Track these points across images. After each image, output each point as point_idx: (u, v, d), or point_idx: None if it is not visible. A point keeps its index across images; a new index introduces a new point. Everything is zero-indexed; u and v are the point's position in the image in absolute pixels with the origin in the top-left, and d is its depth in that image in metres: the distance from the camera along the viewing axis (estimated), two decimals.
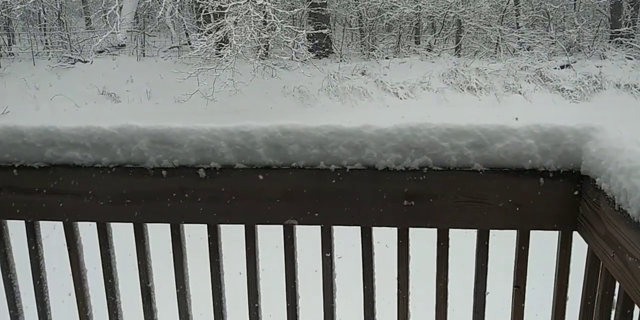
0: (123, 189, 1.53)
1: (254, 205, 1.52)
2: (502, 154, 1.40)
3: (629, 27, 17.88)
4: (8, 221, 1.66)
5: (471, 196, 1.43)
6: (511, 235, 1.51)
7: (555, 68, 15.97)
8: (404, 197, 1.45)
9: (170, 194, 1.52)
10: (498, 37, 17.58)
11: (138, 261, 1.65)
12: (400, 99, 14.61)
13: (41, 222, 1.64)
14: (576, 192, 1.39)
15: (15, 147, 1.52)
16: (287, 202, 1.50)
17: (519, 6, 18.55)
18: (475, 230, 1.50)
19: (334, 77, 14.87)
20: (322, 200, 1.49)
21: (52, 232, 2.05)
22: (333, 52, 17.70)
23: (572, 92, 15.03)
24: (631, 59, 16.56)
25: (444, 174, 1.43)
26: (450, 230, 1.51)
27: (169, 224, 1.61)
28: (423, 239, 1.93)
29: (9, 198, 1.56)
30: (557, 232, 1.47)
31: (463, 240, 1.92)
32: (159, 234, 1.83)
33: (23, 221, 1.63)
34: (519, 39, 17.76)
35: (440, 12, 17.90)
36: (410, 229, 1.53)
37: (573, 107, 14.40)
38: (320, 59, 16.50)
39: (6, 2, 14.51)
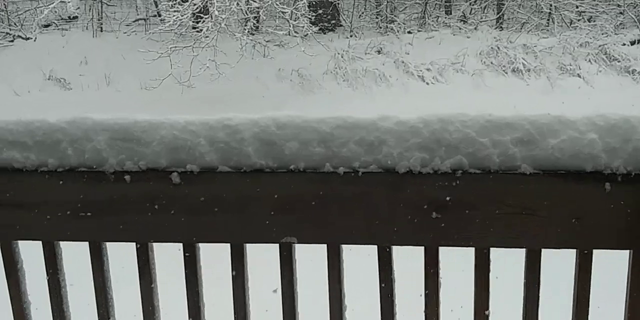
0: (76, 199, 1.53)
1: (242, 219, 1.52)
2: (556, 153, 1.40)
3: None
4: None
5: (518, 206, 1.43)
6: (569, 255, 1.51)
7: (624, 44, 15.94)
8: (432, 207, 1.45)
9: (135, 205, 1.53)
10: (551, 5, 17.55)
11: (95, 290, 1.65)
12: (427, 84, 14.61)
13: None
14: None
15: None
16: (283, 215, 1.51)
17: None
18: (523, 249, 1.50)
19: (342, 57, 14.87)
20: (328, 213, 1.49)
21: None
22: (341, 25, 17.71)
23: None
24: None
25: (483, 178, 1.43)
26: (492, 249, 1.51)
27: (134, 243, 1.61)
28: (455, 258, 1.92)
29: None
30: (628, 251, 1.47)
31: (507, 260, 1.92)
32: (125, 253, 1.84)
33: None
34: (577, 7, 17.73)
35: None
36: (441, 248, 1.53)
37: None
38: (325, 33, 16.51)
39: None
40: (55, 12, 14.16)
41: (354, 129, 1.48)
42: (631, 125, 1.39)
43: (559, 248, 1.47)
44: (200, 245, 1.62)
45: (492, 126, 1.43)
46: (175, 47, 13.12)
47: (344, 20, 17.99)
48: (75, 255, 1.77)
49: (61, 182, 1.53)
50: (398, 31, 16.72)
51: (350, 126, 1.48)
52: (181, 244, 1.60)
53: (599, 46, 15.70)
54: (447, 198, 1.45)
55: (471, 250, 1.52)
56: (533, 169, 1.42)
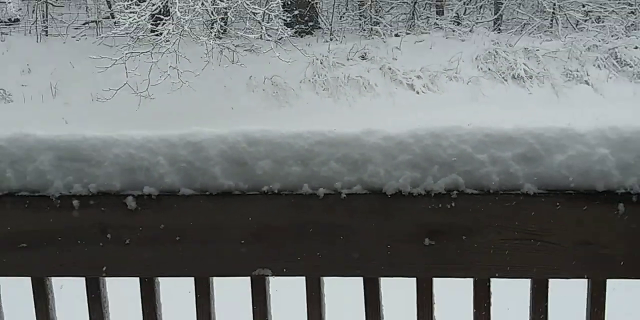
0: (15, 228, 1.52)
1: (208, 250, 1.51)
2: (564, 170, 1.41)
3: None
4: None
5: (521, 231, 1.44)
6: (580, 285, 1.52)
7: (637, 47, 16.17)
8: (424, 233, 1.46)
9: (84, 234, 1.52)
10: (554, 5, 17.80)
11: None
12: (417, 93, 14.71)
13: None
14: None
15: None
16: (255, 244, 1.50)
17: None
18: (528, 279, 1.51)
19: (321, 63, 14.95)
20: (307, 240, 1.49)
21: None
22: (320, 28, 17.82)
23: None
24: None
25: (481, 200, 1.44)
26: (493, 280, 1.51)
27: (83, 278, 1.60)
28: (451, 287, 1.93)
29: None
30: None
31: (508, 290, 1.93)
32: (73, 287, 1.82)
33: None
34: (583, 6, 18.00)
35: None
36: (436, 279, 1.53)
37: None
38: (302, 37, 16.61)
39: None
40: None
41: (335, 145, 1.48)
42: None
43: (568, 278, 1.47)
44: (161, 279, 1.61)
45: (491, 141, 1.44)
46: (132, 53, 13.12)
47: (323, 21, 18.10)
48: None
49: None
50: (384, 34, 16.84)
51: (331, 142, 1.48)
52: (137, 279, 1.59)
53: (609, 50, 15.91)
54: (442, 223, 1.45)
55: (470, 281, 1.53)
56: (537, 188, 1.43)
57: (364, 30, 17.80)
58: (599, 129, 1.44)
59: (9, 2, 12.63)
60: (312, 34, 17.36)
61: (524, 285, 1.55)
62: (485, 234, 1.45)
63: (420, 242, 1.46)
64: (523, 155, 1.42)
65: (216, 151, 1.50)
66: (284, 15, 15.64)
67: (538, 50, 15.83)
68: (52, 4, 17.75)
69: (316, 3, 17.63)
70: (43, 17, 16.85)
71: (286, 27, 14.97)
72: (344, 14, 19.43)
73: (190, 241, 1.51)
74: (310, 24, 17.51)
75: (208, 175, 1.49)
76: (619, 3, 18.17)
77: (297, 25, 16.71)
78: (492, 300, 1.54)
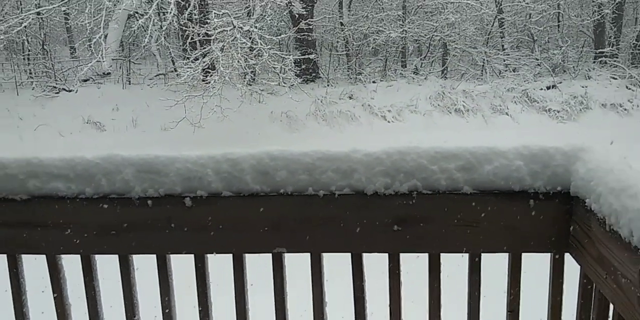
0: (107, 220, 1.51)
1: (241, 234, 1.50)
2: (491, 176, 1.40)
3: (612, 47, 18.24)
4: None
5: (461, 220, 1.43)
6: (503, 259, 1.51)
7: (542, 89, 16.20)
8: (393, 222, 1.45)
9: (156, 224, 1.51)
10: (484, 59, 17.84)
11: (123, 294, 1.62)
12: (388, 122, 14.70)
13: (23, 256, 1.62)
14: (567, 214, 1.39)
15: None
16: (275, 230, 1.49)
17: (504, 28, 18.90)
18: (467, 254, 1.50)
19: (321, 102, 14.96)
20: (311, 227, 1.48)
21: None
22: (320, 77, 17.85)
23: (559, 112, 15.23)
24: (616, 79, 16.85)
25: (433, 198, 1.43)
26: (443, 254, 1.50)
27: (154, 255, 1.59)
28: (416, 264, 1.91)
29: None
30: (549, 254, 1.47)
31: (456, 265, 1.91)
32: (146, 264, 1.81)
33: (4, 255, 1.60)
34: (504, 60, 18.04)
35: (425, 35, 18.17)
36: (402, 254, 1.52)
37: (560, 127, 14.56)
38: (307, 83, 16.63)
39: None
40: (93, 69, 14.14)
41: (331, 160, 1.47)
42: (549, 154, 1.41)
43: (495, 252, 1.46)
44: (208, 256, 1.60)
45: (440, 156, 1.43)
46: (189, 96, 13.13)
47: (322, 73, 18.14)
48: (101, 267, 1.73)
49: (96, 207, 1.51)
50: (365, 81, 16.88)
51: (328, 158, 1.48)
52: (192, 256, 1.58)
53: (522, 91, 15.94)
54: (406, 214, 1.45)
55: (426, 256, 1.52)
56: (473, 189, 1.42)
57: (351, 78, 17.82)
58: (516, 147, 1.44)
59: (104, 61, 12.65)
60: (314, 81, 17.38)
61: (462, 262, 1.54)
62: (436, 222, 1.44)
63: (390, 228, 1.45)
64: (462, 166, 1.42)
65: (248, 165, 1.49)
66: (295, 69, 15.65)
67: (473, 91, 15.86)
68: (133, 62, 17.80)
69: (317, 60, 17.66)
70: (127, 71, 16.88)
71: (296, 77, 14.99)
72: (337, 67, 19.47)
73: (229, 228, 1.50)
74: (313, 74, 17.54)
75: (242, 182, 1.48)
76: (529, 58, 18.20)
77: (304, 76, 16.73)
78: (441, 270, 1.53)
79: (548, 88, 16.25)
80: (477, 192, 1.41)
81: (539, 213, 1.40)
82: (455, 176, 1.41)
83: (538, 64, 17.80)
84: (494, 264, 1.79)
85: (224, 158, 1.50)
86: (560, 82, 16.52)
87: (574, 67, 17.85)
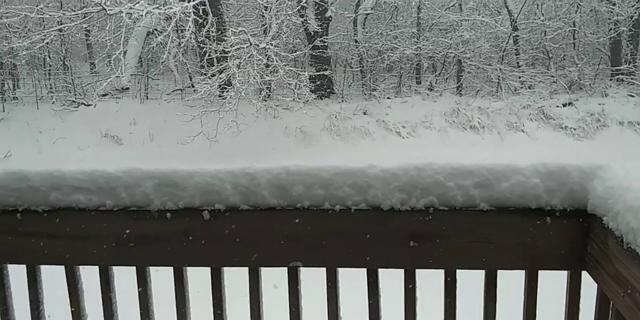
0: (126, 232, 1.53)
1: (258, 247, 1.51)
2: (508, 193, 1.40)
3: (629, 64, 18.12)
4: (9, 265, 1.65)
5: (478, 236, 1.42)
6: (520, 276, 1.50)
7: (558, 106, 16.10)
8: (409, 237, 1.45)
9: (174, 237, 1.52)
10: (499, 76, 17.80)
11: (140, 306, 1.63)
12: (403, 138, 14.68)
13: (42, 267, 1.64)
14: (584, 231, 1.39)
15: (19, 191, 1.53)
16: (291, 244, 1.50)
17: (519, 45, 18.88)
18: (483, 270, 1.49)
19: (335, 117, 14.99)
20: (327, 242, 1.48)
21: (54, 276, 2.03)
22: (335, 93, 17.91)
23: (575, 129, 15.11)
24: (633, 97, 16.72)
25: (450, 214, 1.43)
26: (458, 271, 1.49)
27: (172, 268, 1.60)
28: (432, 281, 1.90)
29: (11, 242, 1.56)
30: (566, 271, 1.46)
31: (471, 281, 1.90)
32: (162, 277, 1.82)
33: (24, 265, 1.62)
34: (519, 77, 17.99)
35: (440, 52, 18.20)
36: (418, 270, 1.52)
37: (577, 144, 14.44)
38: (322, 99, 16.70)
39: (12, 48, 14.83)
40: (112, 84, 14.32)
41: (347, 175, 1.48)
42: (566, 172, 1.40)
43: (511, 269, 1.46)
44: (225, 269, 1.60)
45: (457, 173, 1.43)
46: (205, 111, 13.23)
47: (336, 89, 18.20)
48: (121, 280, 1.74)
49: (116, 219, 1.53)
50: (379, 97, 16.90)
51: (344, 173, 1.48)
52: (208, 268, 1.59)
53: (538, 108, 15.86)
54: (422, 230, 1.45)
55: (442, 272, 1.51)
56: (489, 206, 1.42)
57: (365, 94, 17.86)
58: (533, 164, 1.44)
59: (122, 76, 12.82)
60: (329, 97, 17.45)
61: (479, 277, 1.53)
62: (452, 238, 1.44)
63: (406, 244, 1.45)
64: (479, 183, 1.42)
65: (265, 179, 1.50)
66: (309, 85, 15.73)
67: (488, 108, 15.80)
68: (151, 78, 18.01)
69: (332, 76, 17.75)
70: (145, 86, 17.08)
71: (311, 93, 15.06)
72: (351, 83, 19.54)
73: (246, 242, 1.51)
74: (328, 90, 17.61)
75: (259, 196, 1.49)
76: (544, 75, 18.14)
77: (319, 91, 16.81)
78: (457, 286, 1.52)
79: (564, 105, 16.15)
80: (493, 209, 1.41)
81: (555, 230, 1.40)
82: (471, 193, 1.41)
83: (554, 81, 17.72)
84: (511, 281, 1.78)
85: (242, 172, 1.52)
86: (577, 100, 16.42)
87: (590, 84, 17.74)
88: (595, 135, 15.04)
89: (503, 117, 15.52)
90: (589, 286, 1.44)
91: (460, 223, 1.42)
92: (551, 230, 1.40)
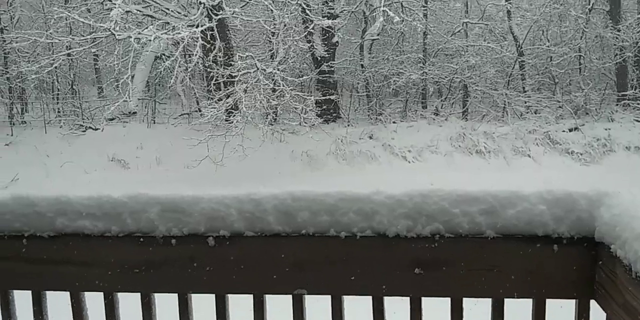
0: (131, 258, 1.53)
1: (263, 275, 1.50)
2: (514, 221, 1.39)
3: (635, 90, 18.16)
4: (15, 291, 1.65)
5: (484, 264, 1.41)
6: (528, 304, 1.48)
7: (564, 131, 16.10)
8: (415, 265, 1.44)
9: (178, 263, 1.52)
10: (505, 101, 17.87)
11: None
12: (409, 162, 14.68)
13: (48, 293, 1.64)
14: (592, 259, 1.37)
15: (26, 217, 1.54)
16: (296, 271, 1.49)
17: (525, 71, 18.98)
18: (490, 299, 1.48)
19: (341, 141, 15.03)
20: (332, 269, 1.48)
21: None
22: (341, 117, 17.99)
23: (581, 154, 15.08)
24: (639, 121, 16.71)
25: (455, 241, 1.42)
26: (465, 299, 1.48)
27: (175, 294, 1.59)
28: (437, 309, 1.88)
29: (17, 268, 1.57)
30: (574, 300, 1.44)
31: (478, 309, 1.88)
32: (167, 303, 1.81)
33: (29, 291, 1.62)
34: (525, 102, 18.04)
35: (446, 77, 18.32)
36: (424, 298, 1.50)
37: (584, 169, 14.39)
38: (328, 123, 16.77)
39: (21, 72, 15.04)
40: (119, 108, 14.46)
41: (353, 201, 1.48)
42: (573, 199, 1.40)
43: (518, 297, 1.44)
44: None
45: (462, 199, 1.43)
46: (212, 135, 13.31)
47: (343, 113, 18.29)
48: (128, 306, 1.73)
49: (121, 245, 1.53)
50: (385, 121, 16.96)
51: (350, 199, 1.48)
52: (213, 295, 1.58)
53: (544, 133, 15.86)
54: (428, 257, 1.44)
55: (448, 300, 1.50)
56: (495, 233, 1.41)
57: (371, 118, 17.94)
58: (539, 191, 1.44)
59: (130, 101, 12.95)
60: (335, 121, 17.53)
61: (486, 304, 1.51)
62: (458, 266, 1.43)
63: (412, 271, 1.44)
64: (485, 210, 1.42)
65: (271, 205, 1.50)
66: (316, 109, 15.83)
67: (494, 133, 15.82)
68: (158, 102, 18.17)
69: (338, 100, 17.86)
70: (152, 111, 17.22)
71: (317, 117, 15.14)
72: (357, 108, 19.63)
73: (251, 269, 1.51)
74: (334, 114, 17.70)
75: (264, 222, 1.50)
76: (550, 100, 18.19)
77: (325, 116, 16.90)
78: (464, 314, 1.50)
79: (570, 130, 16.15)
80: (500, 236, 1.41)
81: (563, 258, 1.39)
82: (477, 220, 1.41)
83: (560, 106, 17.76)
84: (518, 309, 1.75)
85: (247, 198, 1.52)
86: (583, 125, 16.42)
87: (596, 109, 17.77)
88: (602, 160, 15.00)
89: (509, 141, 15.52)
90: (597, 315, 1.42)
91: (467, 250, 1.42)
92: (558, 258, 1.39)
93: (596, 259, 1.37)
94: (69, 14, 12.85)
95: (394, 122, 16.91)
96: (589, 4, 18.18)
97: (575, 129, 16.21)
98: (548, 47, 18.50)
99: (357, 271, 1.47)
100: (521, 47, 18.51)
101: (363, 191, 1.51)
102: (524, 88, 18.80)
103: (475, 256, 1.41)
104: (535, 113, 17.71)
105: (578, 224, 1.38)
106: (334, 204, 1.48)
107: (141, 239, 1.53)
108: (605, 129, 16.06)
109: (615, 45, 18.34)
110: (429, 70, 17.96)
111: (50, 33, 14.90)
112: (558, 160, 14.93)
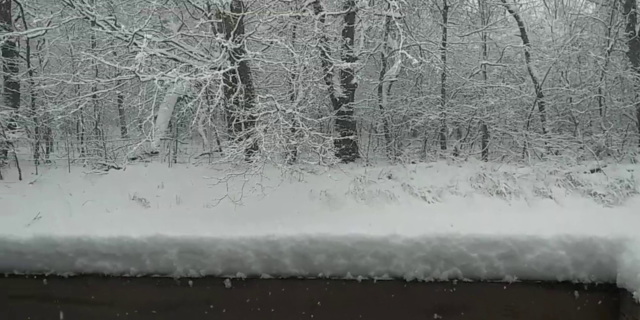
0: (149, 299, 1.54)
1: (279, 317, 1.49)
2: (533, 266, 1.38)
3: None
4: None
5: (503, 309, 1.39)
6: None
7: (585, 172, 15.91)
8: (433, 310, 1.42)
9: (195, 305, 1.52)
10: (525, 142, 17.79)
11: None
12: (428, 202, 14.56)
13: None
14: (614, 306, 1.35)
15: (48, 257, 1.56)
16: (313, 314, 1.48)
17: (544, 112, 18.95)
18: None
19: (360, 181, 15.00)
20: (349, 313, 1.46)
21: None
22: (359, 157, 18.03)
23: (604, 196, 14.84)
24: None
25: (474, 286, 1.41)
26: None
27: None
28: None
29: (37, 307, 1.58)
30: None
31: None
32: None
33: None
34: (546, 143, 17.94)
35: (465, 118, 18.36)
36: None
37: (607, 211, 14.12)
38: (346, 163, 16.80)
39: (48, 113, 15.43)
40: (142, 148, 14.70)
41: (370, 244, 1.48)
42: (593, 244, 1.38)
43: None
44: None
45: (480, 244, 1.42)
46: (231, 174, 13.38)
47: (361, 153, 18.34)
48: None
49: (139, 286, 1.54)
50: (404, 162, 16.94)
51: (367, 242, 1.48)
52: None
53: (566, 174, 15.68)
54: (446, 302, 1.42)
55: None
56: (514, 278, 1.39)
57: (390, 158, 17.94)
58: (558, 235, 1.42)
59: (152, 141, 13.17)
60: (354, 161, 17.56)
61: None
62: (477, 311, 1.41)
63: (431, 316, 1.43)
64: (503, 255, 1.40)
65: (288, 247, 1.51)
66: (334, 149, 15.91)
67: (514, 173, 15.68)
68: (180, 142, 18.43)
69: (357, 140, 17.94)
70: (174, 150, 17.45)
71: (336, 157, 15.20)
72: (376, 147, 19.70)
73: (267, 311, 1.50)
74: (353, 154, 17.75)
75: (281, 264, 1.50)
76: (571, 141, 18.07)
77: (344, 155, 16.95)
78: None
79: (592, 171, 15.96)
80: (519, 281, 1.39)
81: (584, 305, 1.36)
82: (496, 264, 1.39)
83: (581, 147, 17.62)
84: None
85: (265, 240, 1.53)
86: (605, 166, 16.23)
87: (618, 150, 17.59)
88: (625, 201, 14.73)
89: (530, 182, 15.36)
90: None
91: (485, 295, 1.40)
92: (579, 304, 1.36)
93: (618, 306, 1.34)
94: (96, 57, 13.25)
95: (413, 162, 16.89)
96: (608, 46, 18.25)
97: (598, 170, 16.01)
98: (568, 88, 18.51)
99: (375, 316, 1.45)
100: (540, 88, 18.54)
101: (380, 234, 1.51)
102: (544, 129, 18.73)
103: (494, 301, 1.39)
104: (556, 154, 17.57)
105: (599, 270, 1.36)
106: (351, 247, 1.48)
107: (159, 280, 1.53)
108: (628, 171, 15.84)
109: (636, 86, 18.28)
110: (448, 111, 18.03)
111: (77, 75, 15.37)
112: (580, 201, 14.70)
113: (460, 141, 19.08)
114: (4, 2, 15.73)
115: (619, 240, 1.38)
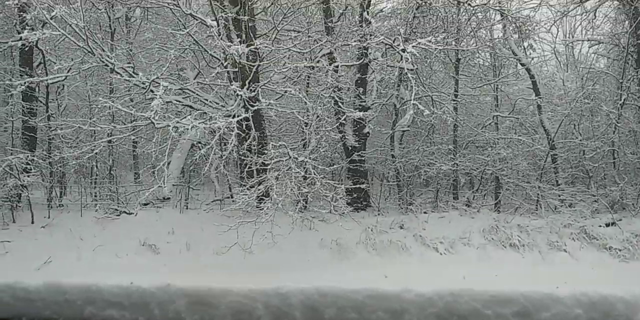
0: None
1: None
2: None
3: None
4: None
5: None
6: None
7: (600, 226, 15.67)
8: None
9: None
10: (538, 194, 17.66)
11: None
12: (441, 254, 14.36)
13: None
14: None
15: (56, 305, 1.56)
16: None
17: (557, 164, 18.88)
18: None
19: (371, 231, 14.88)
20: None
21: None
22: (371, 206, 17.95)
23: (620, 250, 14.55)
24: None
25: None
26: None
27: None
28: None
29: None
30: None
31: None
32: None
33: None
34: (559, 196, 17.79)
35: (477, 169, 18.33)
36: None
37: (623, 266, 13.82)
38: (358, 212, 16.72)
39: (63, 157, 15.63)
40: (154, 194, 14.74)
41: (382, 299, 1.46)
42: (609, 303, 1.36)
43: None
44: None
45: (494, 300, 1.40)
46: (242, 221, 13.36)
47: (373, 202, 18.27)
48: None
49: None
50: (416, 212, 16.83)
51: (379, 296, 1.47)
52: None
53: (580, 227, 15.46)
54: None
55: None
56: None
57: (402, 208, 17.83)
58: (574, 293, 1.40)
59: (165, 187, 13.23)
60: (365, 210, 17.48)
61: None
62: None
63: None
64: (518, 312, 1.38)
65: (297, 300, 1.50)
66: (346, 198, 15.87)
67: (528, 226, 15.49)
68: (192, 188, 18.50)
69: (368, 189, 17.92)
70: (186, 196, 17.51)
71: (347, 206, 15.16)
72: (388, 197, 19.62)
73: None
74: (364, 203, 17.70)
75: (290, 317, 1.48)
76: (585, 194, 17.90)
77: (355, 204, 16.91)
78: None
79: (607, 225, 15.72)
80: None
81: None
82: None
83: (595, 201, 17.43)
84: None
85: (274, 292, 1.52)
86: (620, 220, 16.00)
87: (633, 204, 17.36)
88: None
89: (544, 235, 15.14)
90: None
91: None
92: None
93: None
94: (113, 103, 13.55)
95: (425, 213, 16.77)
96: (621, 100, 18.33)
97: (613, 224, 15.78)
98: (580, 141, 18.50)
99: None
100: (553, 141, 18.56)
101: (392, 288, 1.49)
102: (557, 181, 18.61)
103: None
104: (570, 206, 17.38)
105: None
106: (362, 301, 1.47)
107: None
108: None
109: None
110: (460, 161, 18.04)
111: (94, 121, 15.67)
112: (595, 255, 14.42)
113: (473, 192, 18.98)
114: (27, 48, 16.25)
115: (635, 299, 1.35)
